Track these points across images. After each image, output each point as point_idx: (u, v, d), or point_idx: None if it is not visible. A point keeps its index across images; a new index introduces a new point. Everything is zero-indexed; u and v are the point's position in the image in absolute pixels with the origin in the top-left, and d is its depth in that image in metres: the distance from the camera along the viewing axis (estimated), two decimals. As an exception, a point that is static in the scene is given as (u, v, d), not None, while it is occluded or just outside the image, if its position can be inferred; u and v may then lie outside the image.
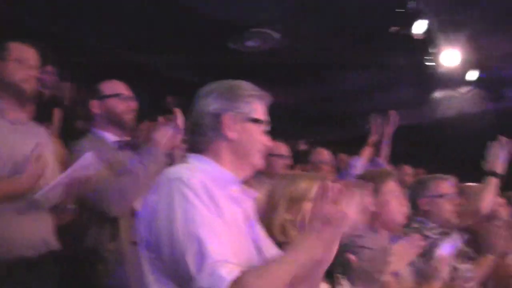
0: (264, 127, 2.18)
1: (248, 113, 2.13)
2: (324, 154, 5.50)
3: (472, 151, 4.19)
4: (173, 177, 1.93)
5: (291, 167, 5.15)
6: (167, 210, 1.87)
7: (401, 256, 2.56)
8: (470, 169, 4.21)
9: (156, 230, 1.89)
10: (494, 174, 4.08)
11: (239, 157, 2.12)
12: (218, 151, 2.11)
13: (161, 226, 1.88)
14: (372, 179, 3.27)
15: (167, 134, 3.30)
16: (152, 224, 1.92)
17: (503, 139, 4.11)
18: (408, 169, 7.07)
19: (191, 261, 1.78)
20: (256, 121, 2.14)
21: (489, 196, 4.07)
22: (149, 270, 1.94)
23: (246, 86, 2.18)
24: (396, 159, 6.77)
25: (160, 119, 3.37)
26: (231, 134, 2.10)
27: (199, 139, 2.13)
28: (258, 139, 2.15)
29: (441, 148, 9.84)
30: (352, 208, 1.87)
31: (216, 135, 2.10)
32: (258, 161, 2.16)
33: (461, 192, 4.48)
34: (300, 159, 5.92)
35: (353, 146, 5.79)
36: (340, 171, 5.76)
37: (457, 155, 8.76)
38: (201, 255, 1.78)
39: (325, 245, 1.90)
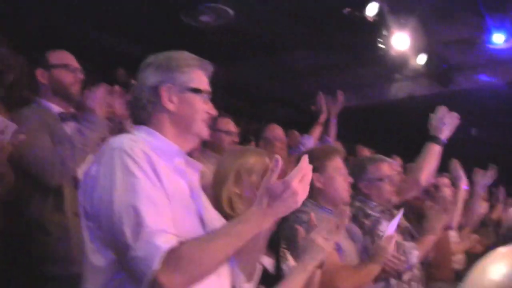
0: (205, 96, 2.16)
1: (186, 83, 2.11)
2: (277, 131, 5.52)
3: (421, 133, 4.20)
4: (115, 147, 1.92)
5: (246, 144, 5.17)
6: (108, 179, 1.86)
7: (337, 229, 2.59)
8: (419, 150, 4.23)
9: (96, 199, 1.88)
10: (436, 139, 4.01)
11: (182, 128, 2.11)
12: (160, 123, 2.09)
13: (101, 195, 1.87)
14: (318, 156, 3.29)
15: (100, 99, 3.27)
16: (92, 192, 1.90)
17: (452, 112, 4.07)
18: (365, 150, 7.14)
19: (127, 230, 1.78)
20: (195, 90, 2.12)
21: (428, 165, 4.02)
22: (88, 239, 1.93)
23: (183, 56, 2.16)
24: (347, 139, 6.87)
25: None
26: (171, 106, 2.08)
27: (141, 112, 2.12)
28: (200, 108, 2.12)
29: (391, 129, 10.01)
30: (303, 185, 1.88)
31: (156, 108, 2.09)
32: (202, 130, 2.15)
33: (408, 172, 4.57)
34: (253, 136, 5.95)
35: (304, 125, 5.83)
36: (291, 148, 5.81)
37: (406, 137, 8.92)
38: (138, 224, 1.77)
39: (272, 220, 1.92)
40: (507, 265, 1.05)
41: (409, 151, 4.63)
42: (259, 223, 1.87)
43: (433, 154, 4.01)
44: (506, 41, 8.31)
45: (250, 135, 6.35)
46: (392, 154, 6.40)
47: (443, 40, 8.30)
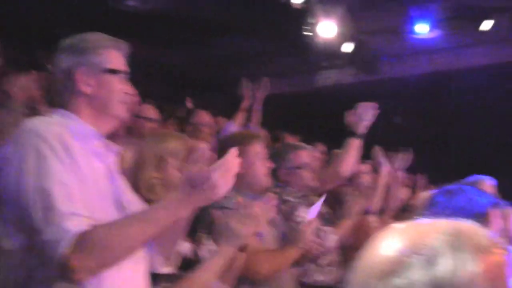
0: (123, 76, 2.13)
1: (101, 64, 2.07)
2: (204, 117, 5.51)
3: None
4: (29, 129, 1.89)
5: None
6: (19, 162, 1.83)
7: (261, 216, 2.61)
8: (344, 137, 4.27)
9: (8, 181, 1.84)
10: (355, 135, 4.10)
11: (99, 110, 2.08)
12: (77, 106, 2.06)
13: (12, 178, 1.83)
14: (238, 141, 3.29)
15: (22, 86, 3.19)
16: (4, 175, 1.86)
17: (369, 104, 4.18)
18: (290, 138, 7.19)
19: (39, 213, 1.76)
20: (111, 71, 2.09)
21: (349, 158, 4.09)
22: None
23: (97, 37, 2.12)
24: (274, 126, 6.92)
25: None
26: (86, 89, 2.05)
27: (58, 96, 2.08)
28: (117, 89, 2.09)
29: (318, 117, 10.12)
30: (226, 176, 1.89)
31: (73, 91, 2.05)
32: (120, 111, 2.12)
33: (333, 159, 4.64)
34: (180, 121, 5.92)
35: (234, 110, 5.83)
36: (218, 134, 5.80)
37: (333, 124, 9.06)
38: (49, 208, 1.75)
39: (190, 208, 1.92)
40: (401, 241, 1.08)
41: (336, 138, 4.68)
42: (176, 211, 1.88)
43: (353, 148, 4.11)
44: (430, 31, 8.56)
45: (178, 120, 6.32)
46: (318, 141, 6.50)
47: (369, 29, 8.45)
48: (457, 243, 1.07)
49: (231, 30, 8.12)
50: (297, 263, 3.36)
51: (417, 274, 1.03)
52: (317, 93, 10.18)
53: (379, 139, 4.67)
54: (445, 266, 1.03)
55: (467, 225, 1.13)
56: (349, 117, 4.10)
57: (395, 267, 1.04)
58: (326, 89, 10.01)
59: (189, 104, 6.07)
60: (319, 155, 4.84)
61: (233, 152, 1.92)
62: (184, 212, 1.91)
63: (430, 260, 1.04)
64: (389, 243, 1.10)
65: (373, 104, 4.12)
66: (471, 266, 1.04)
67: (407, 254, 1.05)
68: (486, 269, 1.05)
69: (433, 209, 2.39)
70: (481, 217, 2.35)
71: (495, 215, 2.41)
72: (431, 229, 1.10)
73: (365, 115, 4.08)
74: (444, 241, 1.06)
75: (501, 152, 10.71)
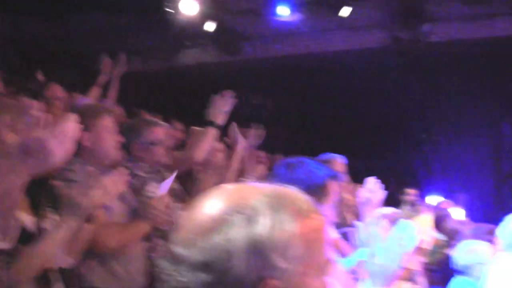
0: None
1: None
2: (57, 90, 5.35)
3: (209, 99, 4.27)
4: None
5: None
6: None
7: (109, 189, 2.57)
8: (204, 116, 4.28)
9: None
10: (213, 124, 4.16)
11: None
12: None
13: None
14: (86, 114, 3.20)
15: None
16: None
17: (226, 92, 4.23)
18: (148, 116, 7.12)
19: None
20: None
21: (204, 145, 4.15)
22: None
23: None
24: (131, 103, 6.82)
25: None
26: None
27: None
28: None
29: (179, 96, 10.10)
30: (57, 140, 1.84)
31: None
32: None
33: (190, 136, 4.66)
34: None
35: (89, 86, 5.69)
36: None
37: (194, 103, 9.08)
38: None
39: (25, 176, 1.85)
40: (225, 200, 1.12)
41: (196, 117, 4.68)
42: (9, 178, 1.80)
43: (209, 136, 4.18)
44: (291, 14, 8.77)
45: (30, 94, 6.07)
46: (178, 120, 6.49)
47: (231, 9, 8.50)
48: (277, 204, 1.12)
49: (90, 4, 7.87)
50: (146, 238, 3.34)
51: (236, 231, 1.07)
52: (179, 72, 10.11)
53: (237, 117, 4.73)
54: (263, 225, 1.08)
55: (289, 190, 1.18)
56: (208, 108, 4.16)
57: (216, 225, 1.08)
58: (188, 68, 9.97)
59: (40, 77, 5.86)
60: (175, 133, 4.85)
61: (71, 118, 1.87)
62: (18, 180, 1.84)
63: (250, 219, 1.08)
64: (214, 202, 1.14)
65: (231, 93, 4.20)
66: (289, 227, 1.09)
67: (229, 212, 1.09)
68: (303, 231, 1.11)
69: (274, 180, 2.47)
70: (319, 188, 2.48)
71: (333, 187, 2.55)
72: (255, 191, 1.15)
73: (223, 106, 4.15)
74: (265, 202, 1.11)
75: (356, 133, 11.28)
